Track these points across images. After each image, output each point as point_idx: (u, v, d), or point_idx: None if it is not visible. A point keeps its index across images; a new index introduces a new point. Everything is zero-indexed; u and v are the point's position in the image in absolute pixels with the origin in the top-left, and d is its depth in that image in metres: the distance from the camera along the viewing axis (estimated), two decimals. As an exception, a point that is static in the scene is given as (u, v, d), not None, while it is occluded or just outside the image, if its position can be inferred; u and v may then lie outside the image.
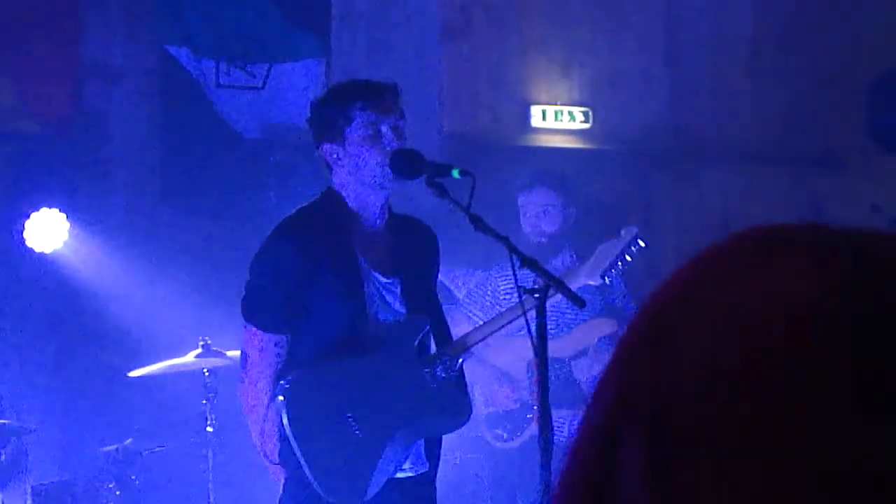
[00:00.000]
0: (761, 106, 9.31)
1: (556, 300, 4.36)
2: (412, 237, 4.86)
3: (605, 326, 6.40)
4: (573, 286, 4.73)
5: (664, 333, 0.93)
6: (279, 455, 4.67)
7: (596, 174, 8.21)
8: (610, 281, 4.98)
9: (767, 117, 9.31)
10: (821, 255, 0.92)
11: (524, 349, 6.31)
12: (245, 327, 4.78)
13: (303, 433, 4.54)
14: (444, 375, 4.69)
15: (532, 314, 4.23)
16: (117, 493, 6.63)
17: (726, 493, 0.86)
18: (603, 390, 0.95)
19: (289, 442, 4.55)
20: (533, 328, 4.20)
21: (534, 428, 6.24)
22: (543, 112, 8.84)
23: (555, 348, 6.13)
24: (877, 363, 0.86)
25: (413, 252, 4.83)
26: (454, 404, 4.77)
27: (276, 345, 4.70)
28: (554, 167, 7.20)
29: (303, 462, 4.52)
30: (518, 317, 4.48)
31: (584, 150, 8.91)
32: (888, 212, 7.67)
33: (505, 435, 6.39)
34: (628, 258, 4.94)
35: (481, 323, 5.16)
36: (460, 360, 4.75)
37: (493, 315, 5.08)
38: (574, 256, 6.62)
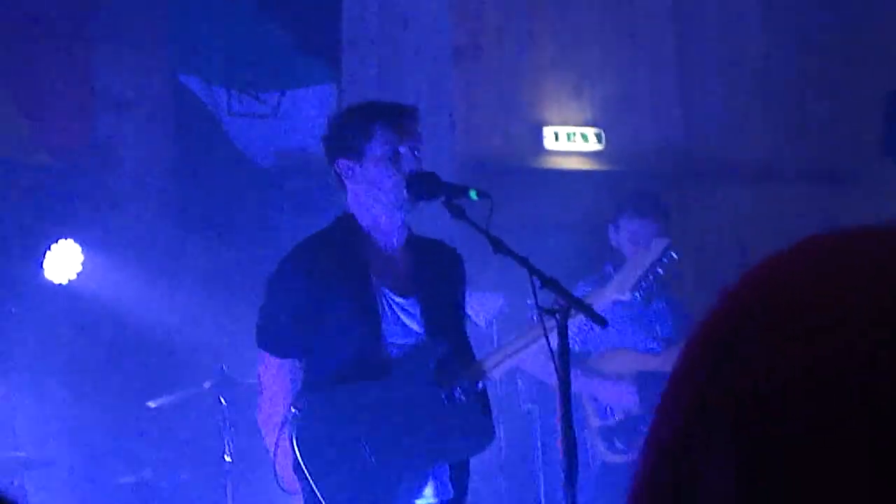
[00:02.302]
0: (774, 124, 9.30)
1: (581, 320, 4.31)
2: (433, 258, 4.82)
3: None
4: (603, 303, 4.68)
5: (746, 332, 0.91)
6: (302, 489, 4.62)
7: (609, 195, 8.18)
8: (640, 295, 4.84)
9: (780, 135, 9.29)
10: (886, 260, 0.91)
11: (632, 359, 6.31)
12: (259, 353, 4.77)
13: (315, 462, 4.49)
14: (462, 398, 4.63)
15: (554, 335, 4.20)
16: (137, 524, 6.61)
17: (819, 492, 0.85)
18: (678, 393, 0.93)
19: (302, 470, 4.52)
20: (555, 348, 4.17)
21: None
22: (556, 134, 8.83)
23: (661, 363, 6.14)
24: None
25: (434, 273, 4.79)
26: (474, 427, 4.70)
27: (289, 370, 4.68)
28: (571, 190, 7.13)
29: (316, 491, 4.48)
30: (538, 338, 4.44)
31: (597, 171, 8.89)
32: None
33: (622, 446, 6.29)
34: (660, 271, 4.83)
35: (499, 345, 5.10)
36: (480, 384, 4.69)
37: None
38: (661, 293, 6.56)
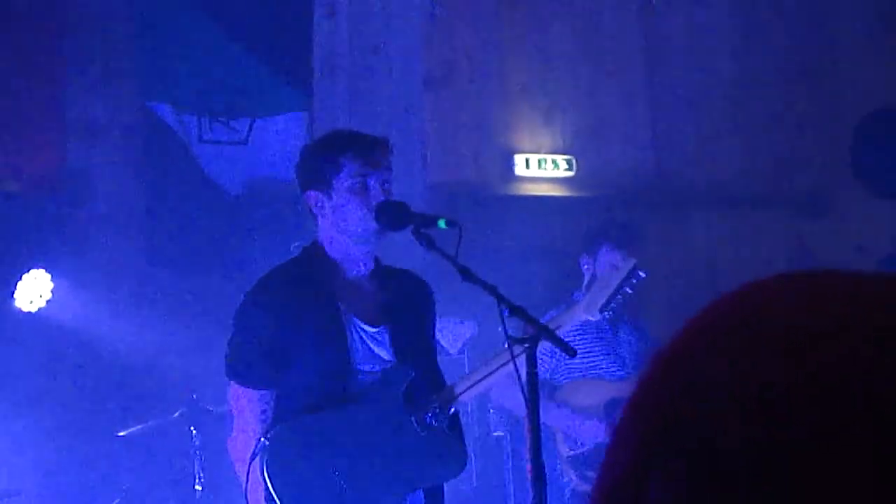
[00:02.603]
0: (746, 149, 9.34)
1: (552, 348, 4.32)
2: (402, 287, 4.83)
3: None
4: (573, 323, 4.71)
5: (700, 367, 0.92)
6: None
7: (581, 222, 8.20)
8: (609, 315, 4.85)
9: (753, 161, 9.33)
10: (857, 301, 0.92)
11: (599, 388, 6.33)
12: (230, 384, 4.76)
13: (286, 493, 4.47)
14: (434, 424, 4.63)
15: (522, 364, 4.21)
16: (106, 553, 6.58)
17: None
18: (634, 419, 0.93)
19: (274, 501, 4.50)
20: (524, 376, 4.17)
21: None
22: (527, 160, 8.85)
23: (629, 390, 6.14)
24: None
25: (402, 301, 4.79)
26: (446, 453, 4.70)
27: (259, 400, 4.67)
28: (538, 220, 7.14)
29: (291, 523, 4.47)
30: (505, 364, 4.45)
31: (568, 197, 8.91)
32: (874, 253, 7.68)
33: (593, 475, 6.30)
34: (628, 290, 4.84)
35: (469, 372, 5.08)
36: (451, 409, 4.69)
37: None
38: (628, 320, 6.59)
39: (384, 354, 4.70)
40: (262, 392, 4.66)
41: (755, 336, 0.91)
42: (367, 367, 4.67)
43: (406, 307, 4.79)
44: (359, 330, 4.69)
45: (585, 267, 6.60)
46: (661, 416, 0.91)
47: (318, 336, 4.60)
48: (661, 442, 0.90)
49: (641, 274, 4.91)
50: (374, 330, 4.71)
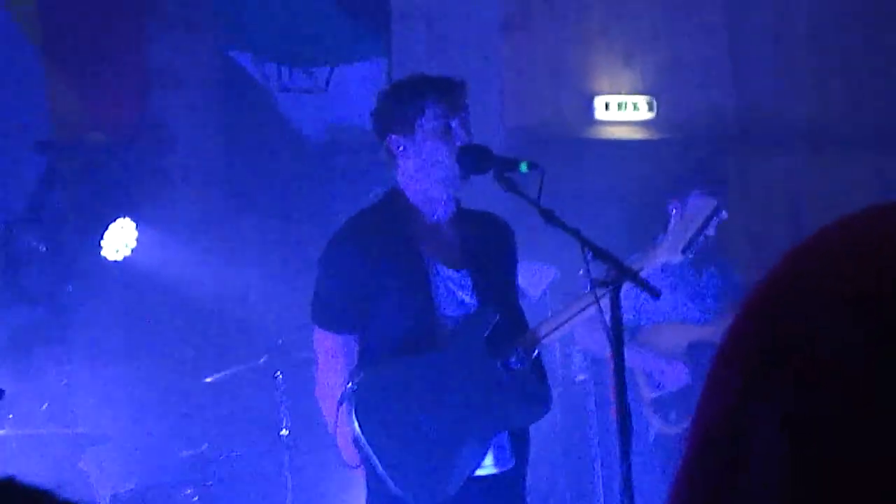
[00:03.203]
0: (825, 88, 9.23)
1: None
2: (483, 230, 4.82)
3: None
4: (654, 265, 4.69)
5: (806, 293, 0.92)
6: (359, 457, 4.64)
7: (662, 164, 8.15)
8: (690, 257, 4.82)
9: (832, 99, 9.22)
10: None
11: (682, 331, 6.32)
12: (314, 329, 4.78)
13: (374, 436, 4.50)
14: (518, 366, 4.63)
15: (606, 305, 4.20)
16: (195, 498, 6.66)
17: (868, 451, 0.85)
18: (733, 360, 0.93)
19: (362, 444, 4.53)
20: (608, 319, 4.17)
21: None
22: (606, 103, 8.80)
23: (711, 333, 6.15)
24: None
25: (484, 245, 4.78)
26: (530, 395, 4.70)
27: (344, 345, 4.69)
28: (621, 161, 7.10)
29: (377, 465, 4.49)
30: (588, 306, 4.46)
31: (649, 140, 8.86)
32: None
33: (677, 418, 6.30)
34: (710, 232, 4.81)
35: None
36: (535, 351, 4.69)
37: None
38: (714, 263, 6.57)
39: (467, 298, 4.70)
40: (346, 336, 4.69)
41: (861, 260, 0.91)
42: (450, 311, 4.68)
43: (488, 250, 4.79)
44: (441, 274, 4.69)
45: (673, 211, 6.55)
46: (765, 345, 0.91)
47: (401, 281, 4.61)
48: (764, 372, 0.90)
49: (724, 214, 4.89)
50: (457, 274, 4.71)
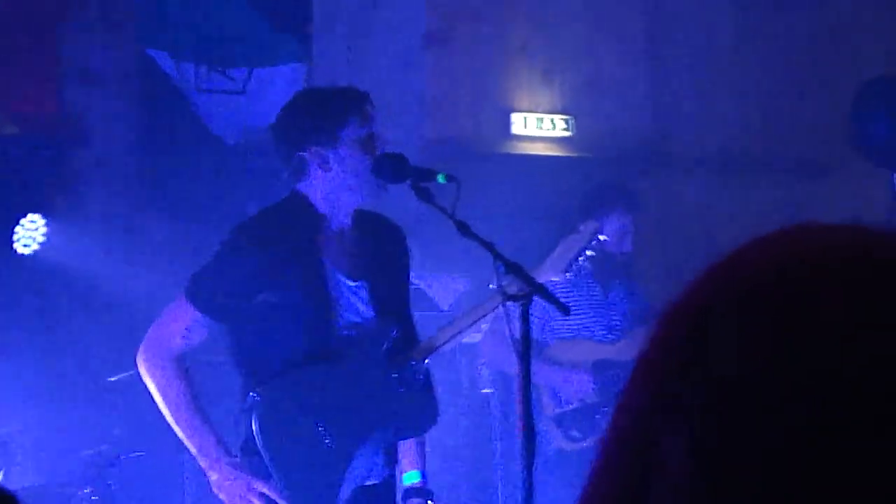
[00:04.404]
0: (744, 113, 9.32)
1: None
2: (379, 237, 4.84)
3: None
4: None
5: (712, 322, 0.92)
6: (250, 467, 4.62)
7: (577, 182, 8.19)
8: (571, 275, 4.96)
9: (751, 124, 9.31)
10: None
11: (588, 348, 6.37)
12: (179, 297, 4.74)
13: (273, 445, 4.52)
14: (412, 379, 4.67)
15: (515, 319, 4.22)
16: (93, 498, 6.60)
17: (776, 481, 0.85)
18: (644, 377, 0.94)
19: (259, 455, 4.53)
20: (517, 333, 4.18)
21: (604, 428, 6.22)
22: (525, 119, 8.83)
23: (616, 352, 6.24)
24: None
25: (382, 253, 4.81)
26: (423, 407, 4.76)
27: (194, 321, 4.69)
28: (537, 177, 7.14)
29: (274, 474, 4.51)
30: (481, 318, 4.54)
31: (566, 157, 8.89)
32: (869, 221, 7.66)
33: (578, 435, 6.34)
34: (589, 253, 4.94)
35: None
36: (426, 362, 4.73)
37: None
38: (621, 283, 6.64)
39: (364, 309, 4.72)
40: (205, 320, 4.70)
41: (770, 282, 0.91)
42: (349, 321, 4.69)
43: (384, 259, 4.81)
44: (341, 284, 4.70)
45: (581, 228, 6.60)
46: (677, 368, 0.92)
47: (301, 290, 4.61)
48: (674, 394, 0.90)
49: (601, 238, 5.07)
50: (355, 284, 4.72)
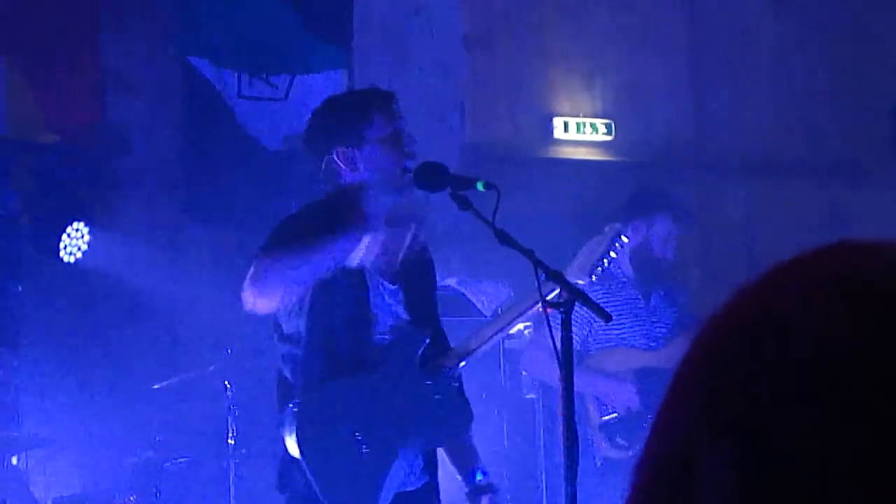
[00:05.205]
0: (785, 117, 9.29)
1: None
2: (410, 244, 4.84)
3: None
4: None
5: (755, 341, 0.91)
6: (287, 478, 4.62)
7: (618, 186, 8.18)
8: (595, 277, 4.95)
9: (791, 128, 9.28)
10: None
11: (630, 356, 6.36)
12: (259, 258, 4.57)
13: (314, 456, 4.52)
14: (446, 385, 4.68)
15: (557, 328, 4.21)
16: (138, 505, 6.63)
17: None
18: (686, 393, 0.93)
19: (298, 464, 4.53)
20: (558, 341, 4.17)
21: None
22: (566, 124, 8.82)
23: (659, 359, 6.23)
24: None
25: (411, 258, 4.81)
26: (457, 412, 4.76)
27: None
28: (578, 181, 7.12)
29: (314, 484, 4.50)
30: (515, 319, 4.53)
31: (607, 161, 8.88)
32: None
33: (624, 443, 6.33)
34: (613, 255, 4.93)
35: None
36: (461, 365, 4.74)
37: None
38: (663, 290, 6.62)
39: (400, 311, 4.72)
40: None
41: (811, 304, 0.91)
42: (386, 325, 4.69)
43: (414, 263, 4.81)
44: (380, 287, 4.70)
45: (635, 233, 6.58)
46: (714, 385, 0.91)
47: (344, 293, 4.60)
48: (715, 412, 0.90)
49: (624, 239, 5.04)
50: (393, 287, 4.72)
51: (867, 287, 0.91)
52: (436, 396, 4.66)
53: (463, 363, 4.74)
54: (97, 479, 7.05)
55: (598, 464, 6.32)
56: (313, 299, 4.61)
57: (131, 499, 6.62)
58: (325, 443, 4.54)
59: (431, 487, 4.79)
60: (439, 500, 4.83)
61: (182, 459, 6.94)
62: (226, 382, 6.59)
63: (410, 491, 4.69)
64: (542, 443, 7.17)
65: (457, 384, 4.75)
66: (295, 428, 4.51)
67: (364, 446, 4.54)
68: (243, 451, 6.62)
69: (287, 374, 4.70)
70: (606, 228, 5.07)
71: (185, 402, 7.14)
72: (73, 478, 7.05)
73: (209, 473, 6.88)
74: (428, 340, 4.69)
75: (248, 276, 4.53)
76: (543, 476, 7.10)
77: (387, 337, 4.68)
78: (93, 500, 6.66)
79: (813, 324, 0.90)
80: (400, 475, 4.62)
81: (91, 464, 7.24)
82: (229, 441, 6.58)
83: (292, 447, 4.52)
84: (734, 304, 0.95)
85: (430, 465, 4.79)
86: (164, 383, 6.75)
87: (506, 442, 7.33)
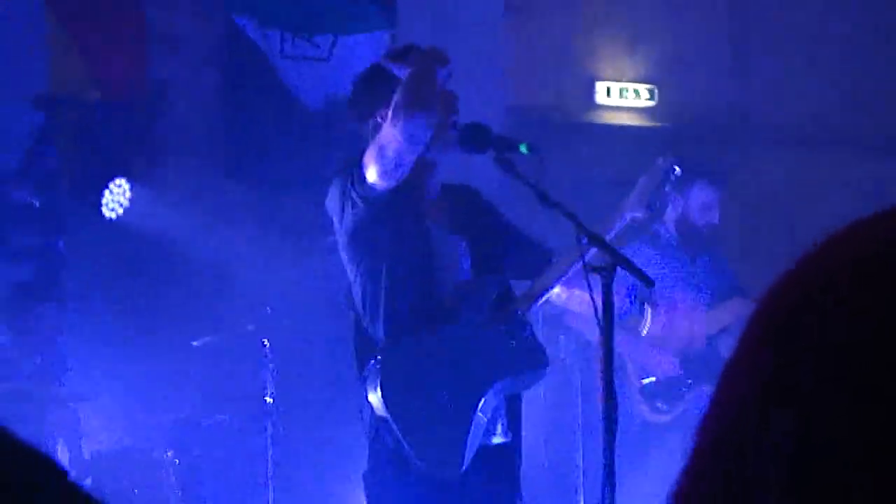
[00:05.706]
0: (827, 85, 9.22)
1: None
2: (462, 197, 4.83)
3: (746, 307, 6.35)
4: (621, 223, 4.76)
5: (813, 313, 0.91)
6: (374, 431, 4.63)
7: (659, 152, 8.14)
8: (652, 211, 4.96)
9: (833, 97, 9.22)
10: None
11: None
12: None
13: (399, 410, 4.52)
14: (520, 330, 4.67)
15: (598, 293, 4.20)
16: (176, 461, 6.67)
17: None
18: (745, 363, 0.93)
19: (385, 421, 4.53)
20: (600, 305, 4.17)
21: (688, 400, 6.26)
22: (608, 89, 8.79)
23: (710, 322, 6.24)
24: None
25: (471, 211, 4.80)
26: (533, 357, 4.74)
27: None
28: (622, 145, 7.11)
29: (402, 439, 4.51)
30: (573, 264, 4.48)
31: (648, 127, 8.85)
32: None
33: (664, 406, 6.34)
34: (668, 188, 4.95)
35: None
36: (531, 307, 4.75)
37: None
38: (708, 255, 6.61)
39: (465, 265, 4.73)
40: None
41: (870, 277, 0.90)
42: (453, 278, 4.69)
43: (474, 215, 4.80)
44: (445, 241, 4.70)
45: (673, 208, 6.58)
46: (778, 362, 0.91)
47: (409, 247, 4.61)
48: (772, 392, 0.90)
49: (678, 170, 5.02)
50: (456, 239, 4.73)
51: (883, 266, 0.90)
52: (511, 342, 4.66)
53: (534, 306, 4.76)
54: (135, 434, 7.09)
55: (637, 427, 6.33)
56: (382, 261, 4.61)
57: (168, 454, 6.66)
58: (409, 400, 4.54)
59: (515, 447, 4.78)
60: (521, 461, 4.83)
61: (220, 417, 6.97)
62: (264, 341, 6.61)
63: (497, 444, 4.70)
64: (578, 406, 7.17)
65: (529, 329, 4.74)
66: (378, 386, 4.52)
67: (445, 396, 4.55)
68: (281, 409, 6.65)
69: (363, 332, 4.72)
70: (659, 160, 5.06)
71: (223, 360, 7.17)
72: (112, 432, 7.09)
73: (246, 432, 6.91)
74: (496, 288, 4.69)
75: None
76: (581, 441, 7.10)
77: (455, 290, 4.69)
78: (131, 455, 6.70)
79: (838, 305, 0.89)
80: (484, 425, 4.62)
81: (129, 419, 7.28)
82: (267, 399, 6.60)
83: (377, 405, 4.53)
84: (789, 281, 0.95)
85: (514, 424, 4.77)
86: (204, 341, 6.78)
87: (544, 400, 7.32)
